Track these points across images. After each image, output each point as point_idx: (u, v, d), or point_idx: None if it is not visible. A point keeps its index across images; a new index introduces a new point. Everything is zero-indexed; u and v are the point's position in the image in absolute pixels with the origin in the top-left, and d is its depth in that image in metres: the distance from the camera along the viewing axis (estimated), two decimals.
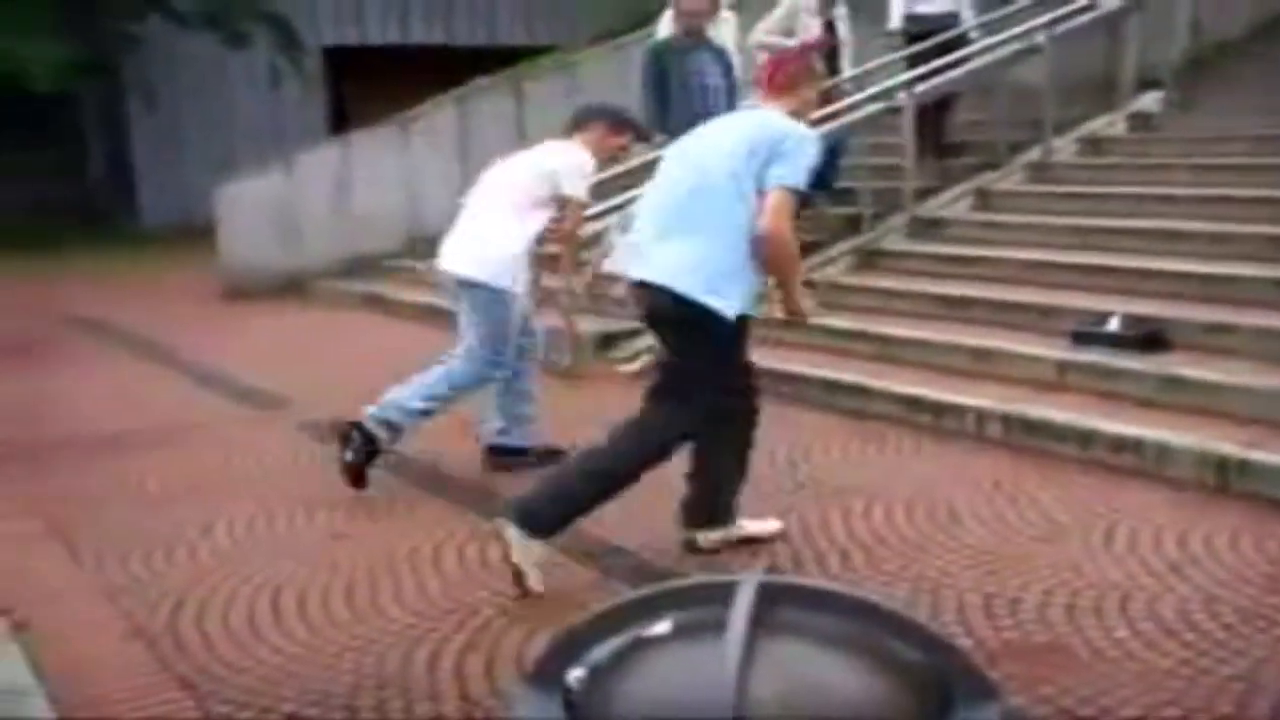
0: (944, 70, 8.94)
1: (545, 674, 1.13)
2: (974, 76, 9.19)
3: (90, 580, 4.46)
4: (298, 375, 8.03)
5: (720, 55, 8.65)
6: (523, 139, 12.31)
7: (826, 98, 7.22)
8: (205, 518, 5.06)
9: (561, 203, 5.43)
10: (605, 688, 1.09)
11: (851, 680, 1.06)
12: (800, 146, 4.14)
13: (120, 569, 4.55)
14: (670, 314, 4.20)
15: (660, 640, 1.10)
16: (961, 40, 9.48)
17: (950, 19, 9.63)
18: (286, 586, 4.29)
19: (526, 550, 4.07)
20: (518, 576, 4.06)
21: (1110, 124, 9.71)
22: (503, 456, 5.59)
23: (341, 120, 17.71)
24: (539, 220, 5.44)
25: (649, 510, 4.91)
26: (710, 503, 4.46)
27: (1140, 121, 9.74)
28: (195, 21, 16.15)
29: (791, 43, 8.35)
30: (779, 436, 5.84)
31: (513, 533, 4.07)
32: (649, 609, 1.13)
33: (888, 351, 6.83)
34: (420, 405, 5.37)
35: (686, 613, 1.11)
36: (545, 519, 4.12)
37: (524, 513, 4.10)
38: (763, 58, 6.14)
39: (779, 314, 4.43)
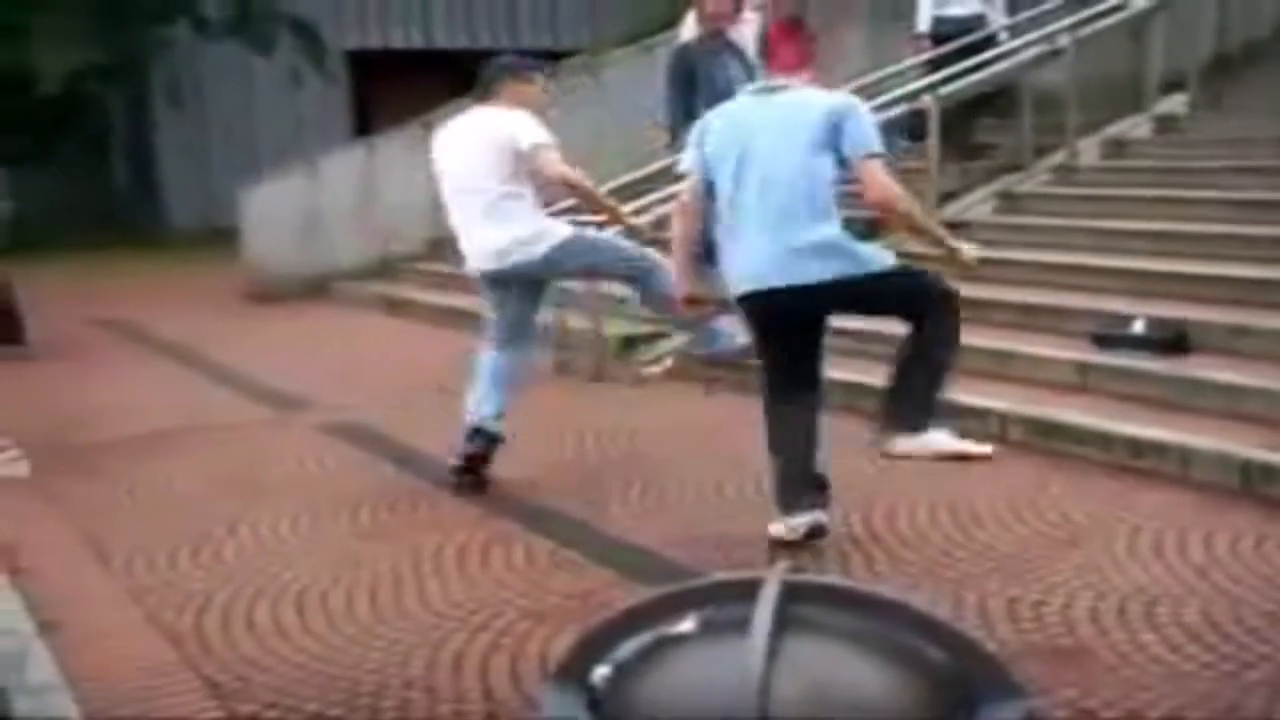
0: (972, 72, 8.92)
1: (570, 673, 1.14)
2: (999, 79, 9.16)
3: (117, 581, 4.49)
4: (321, 377, 8.06)
5: (742, 57, 8.67)
6: None
7: None
8: (231, 518, 5.09)
9: (529, 160, 5.27)
10: (630, 686, 1.10)
11: (875, 678, 1.06)
12: (861, 114, 4.33)
13: (147, 570, 4.58)
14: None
15: (685, 639, 1.10)
16: (989, 43, 9.47)
17: (978, 21, 9.63)
18: (311, 587, 4.31)
19: (930, 440, 4.38)
20: (963, 456, 4.41)
21: (1135, 126, 9.68)
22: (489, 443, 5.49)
23: (365, 123, 17.76)
24: (531, 183, 5.34)
25: (668, 509, 4.93)
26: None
27: (1165, 124, 9.70)
28: (219, 29, 16.24)
29: None
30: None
31: (907, 441, 4.39)
32: (673, 607, 1.13)
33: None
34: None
35: (710, 611, 1.11)
36: (916, 416, 4.39)
37: (898, 422, 4.40)
38: None
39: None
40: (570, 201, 6.14)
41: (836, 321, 4.65)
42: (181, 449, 6.35)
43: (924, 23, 9.88)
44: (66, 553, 4.83)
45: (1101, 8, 9.56)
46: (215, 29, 16.31)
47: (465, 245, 5.47)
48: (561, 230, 5.42)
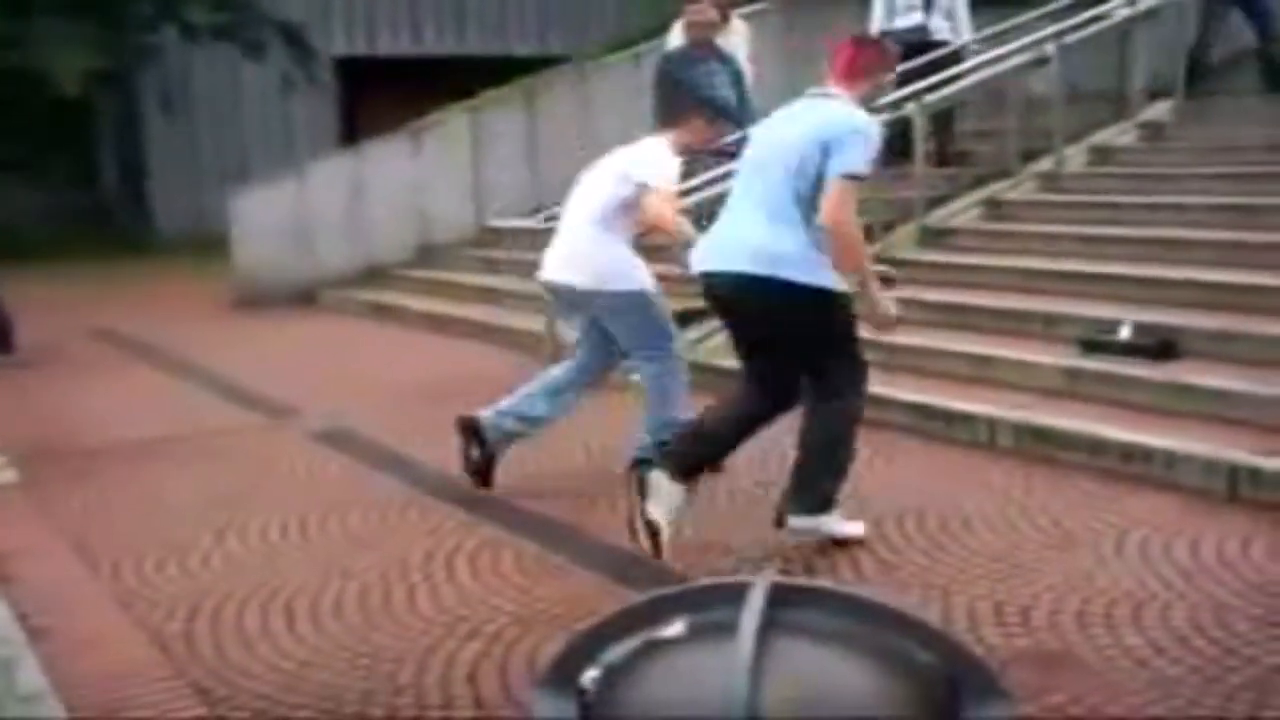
0: (946, 82, 8.98)
1: (560, 676, 1.15)
2: (981, 87, 9.22)
3: (106, 587, 4.49)
4: (310, 384, 8.06)
5: (728, 65, 8.74)
6: (534, 149, 12.40)
7: None
8: (220, 525, 5.09)
9: (634, 195, 5.26)
10: (619, 689, 1.11)
11: (862, 680, 1.07)
12: (860, 135, 4.25)
13: (135, 576, 4.58)
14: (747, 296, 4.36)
15: (673, 642, 1.12)
16: (945, 52, 9.60)
17: (920, 31, 9.78)
18: (300, 593, 4.31)
19: (824, 523, 4.46)
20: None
21: (1121, 133, 9.72)
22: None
23: (354, 130, 17.77)
24: (629, 220, 5.33)
25: None
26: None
27: (1151, 131, 9.74)
28: (208, 35, 16.26)
29: None
30: (789, 444, 5.86)
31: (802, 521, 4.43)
32: (662, 611, 1.15)
33: (896, 360, 6.82)
34: (667, 420, 5.28)
35: (698, 615, 1.12)
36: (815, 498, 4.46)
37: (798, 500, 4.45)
38: None
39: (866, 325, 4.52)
40: None
41: None
42: (170, 456, 6.35)
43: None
44: (55, 559, 4.83)
45: (1086, 16, 9.60)
46: (204, 35, 16.31)
47: (547, 251, 5.51)
48: (642, 278, 5.31)
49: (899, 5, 9.89)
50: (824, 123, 4.27)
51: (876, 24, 10.02)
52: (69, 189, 17.63)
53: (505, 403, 5.47)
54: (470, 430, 5.43)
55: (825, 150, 4.20)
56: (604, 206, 5.28)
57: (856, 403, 4.51)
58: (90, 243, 16.30)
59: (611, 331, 5.38)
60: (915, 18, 9.85)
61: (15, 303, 9.29)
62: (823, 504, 4.45)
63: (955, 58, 9.59)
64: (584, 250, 5.31)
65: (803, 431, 4.51)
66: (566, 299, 5.51)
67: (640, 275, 5.31)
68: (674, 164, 5.33)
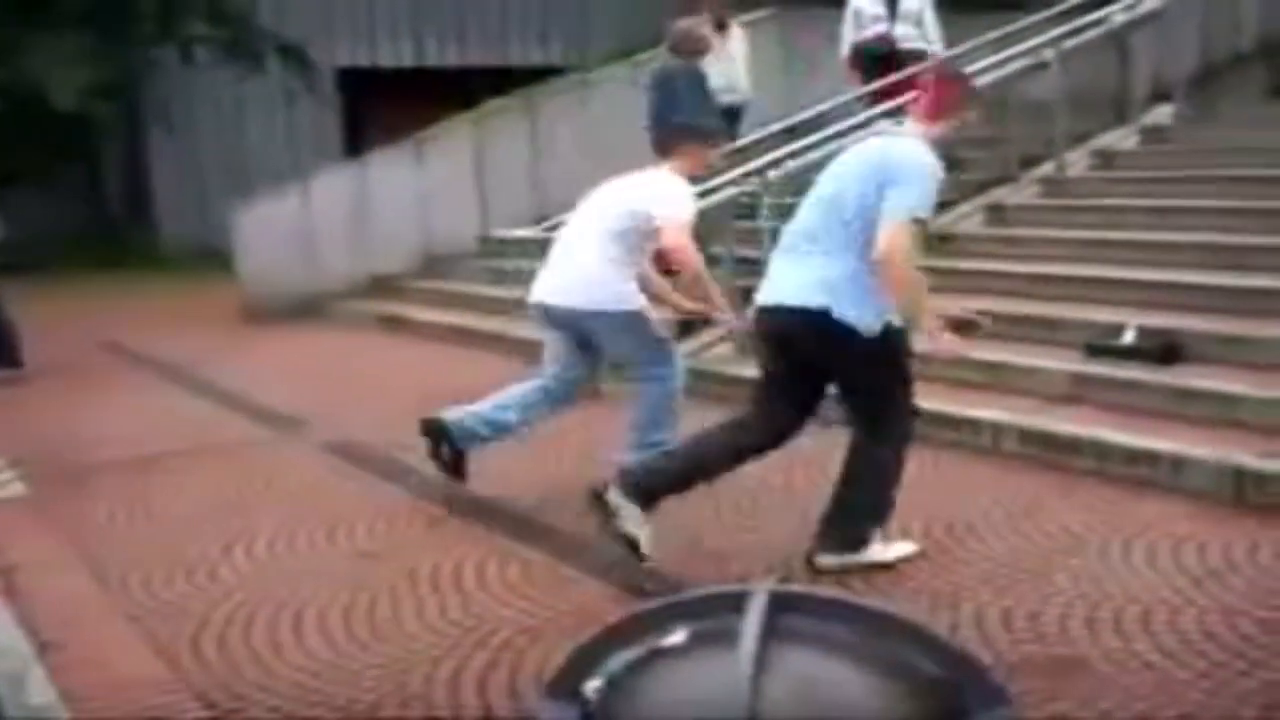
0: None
1: (563, 686, 1.15)
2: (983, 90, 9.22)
3: (114, 601, 4.49)
4: (316, 396, 8.07)
5: (703, 80, 9.02)
6: (537, 159, 12.42)
7: None
8: (227, 538, 5.10)
9: (650, 232, 5.32)
10: (622, 698, 1.11)
11: (864, 688, 1.07)
12: (925, 177, 4.19)
13: (143, 590, 4.59)
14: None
15: (675, 651, 1.12)
16: (914, 62, 9.67)
17: (884, 41, 9.86)
18: (308, 605, 4.32)
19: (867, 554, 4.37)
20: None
21: (1123, 138, 9.72)
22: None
23: (357, 141, 17.80)
24: (633, 249, 5.37)
25: (664, 523, 4.93)
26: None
27: (1153, 135, 9.74)
28: (209, 53, 16.33)
29: None
30: (796, 455, 5.86)
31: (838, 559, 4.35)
32: (663, 620, 1.15)
33: None
34: (650, 442, 5.33)
35: (701, 623, 1.13)
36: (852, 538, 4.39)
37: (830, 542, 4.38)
38: None
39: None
40: None
41: None
42: (178, 469, 6.36)
43: (845, 49, 10.14)
44: (64, 573, 4.84)
45: (1086, 20, 9.61)
46: (204, 53, 16.38)
47: (541, 275, 5.52)
48: (634, 300, 5.37)
49: (866, 18, 9.96)
50: (889, 160, 4.22)
51: (847, 38, 10.11)
52: (74, 202, 17.64)
53: (475, 406, 5.54)
54: (435, 432, 5.54)
55: (885, 186, 4.15)
56: (616, 237, 5.32)
57: (905, 444, 4.45)
58: (96, 256, 16.32)
59: (611, 353, 5.45)
60: (880, 28, 9.92)
61: (22, 316, 9.31)
62: (856, 544, 4.37)
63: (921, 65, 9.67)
64: (594, 277, 5.31)
65: (850, 466, 4.43)
66: (562, 320, 5.46)
67: (638, 299, 5.39)
68: (688, 193, 5.41)
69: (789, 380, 4.49)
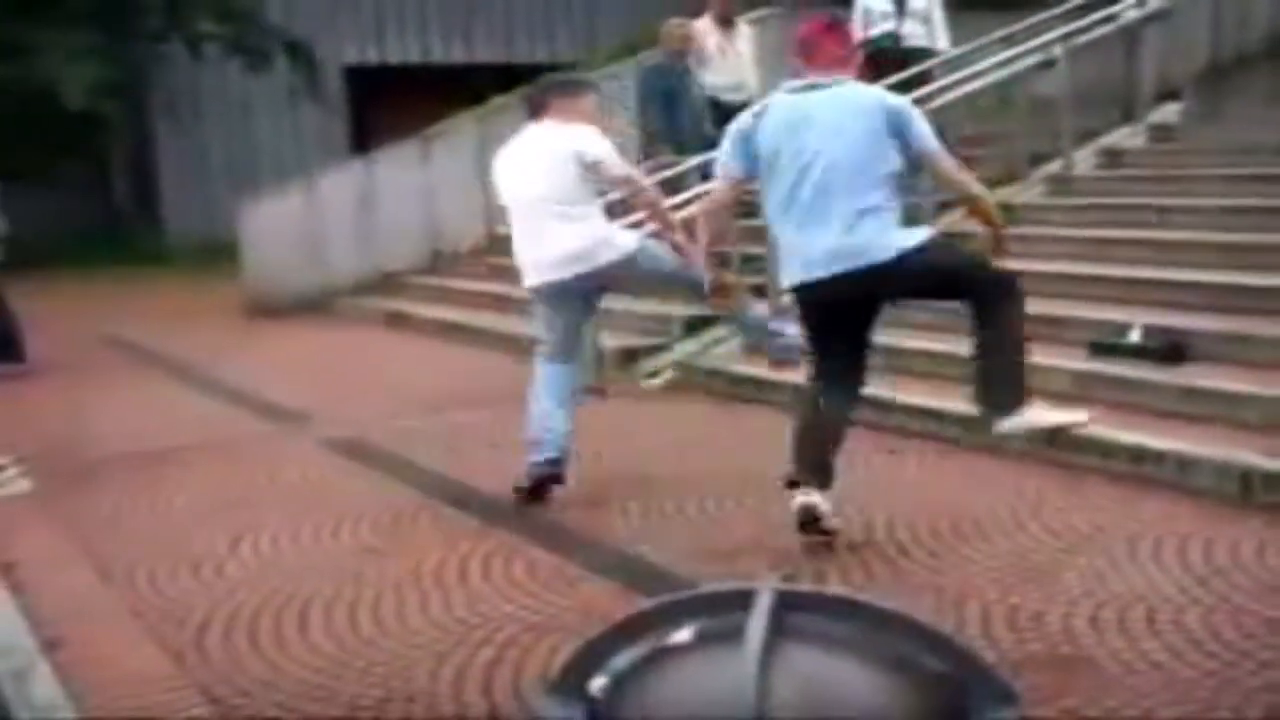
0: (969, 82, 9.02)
1: (568, 683, 1.15)
2: (990, 88, 9.23)
3: (119, 597, 4.50)
4: (321, 392, 8.08)
5: (693, 78, 9.26)
6: None
7: None
8: (232, 534, 5.10)
9: (595, 170, 5.35)
10: (627, 696, 1.11)
11: (870, 686, 1.07)
12: (915, 111, 4.60)
13: (148, 585, 4.59)
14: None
15: (681, 649, 1.12)
16: (920, 60, 9.70)
17: (891, 38, 9.88)
18: (313, 601, 4.32)
19: (1031, 418, 4.70)
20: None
21: (1131, 135, 9.70)
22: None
23: (363, 138, 17.81)
24: (591, 192, 5.44)
25: (669, 521, 4.95)
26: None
27: (1161, 133, 9.72)
28: (214, 49, 16.34)
29: None
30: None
31: (1010, 422, 4.70)
32: (670, 618, 1.15)
33: (904, 364, 6.82)
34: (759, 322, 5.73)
35: (706, 621, 1.13)
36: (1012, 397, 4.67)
37: (997, 407, 4.68)
38: None
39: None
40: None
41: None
42: (183, 465, 6.36)
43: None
44: (68, 569, 4.84)
45: (1094, 18, 9.59)
46: (211, 50, 16.39)
47: (526, 258, 5.45)
48: (627, 240, 5.49)
49: (875, 15, 9.95)
50: (888, 104, 4.51)
51: (855, 34, 10.12)
52: (80, 199, 17.68)
53: (547, 439, 5.34)
54: (546, 484, 5.35)
55: (905, 128, 4.43)
56: (566, 190, 5.29)
57: (1016, 305, 4.65)
58: (101, 252, 16.35)
59: (647, 289, 5.55)
60: (888, 25, 9.92)
61: (27, 312, 9.32)
62: (1019, 399, 4.65)
63: (930, 61, 9.69)
64: (576, 237, 5.29)
65: (979, 334, 4.64)
66: (571, 290, 5.40)
67: (625, 234, 5.58)
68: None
69: (850, 326, 4.66)
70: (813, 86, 4.54)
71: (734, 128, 4.71)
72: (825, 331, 4.71)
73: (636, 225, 6.20)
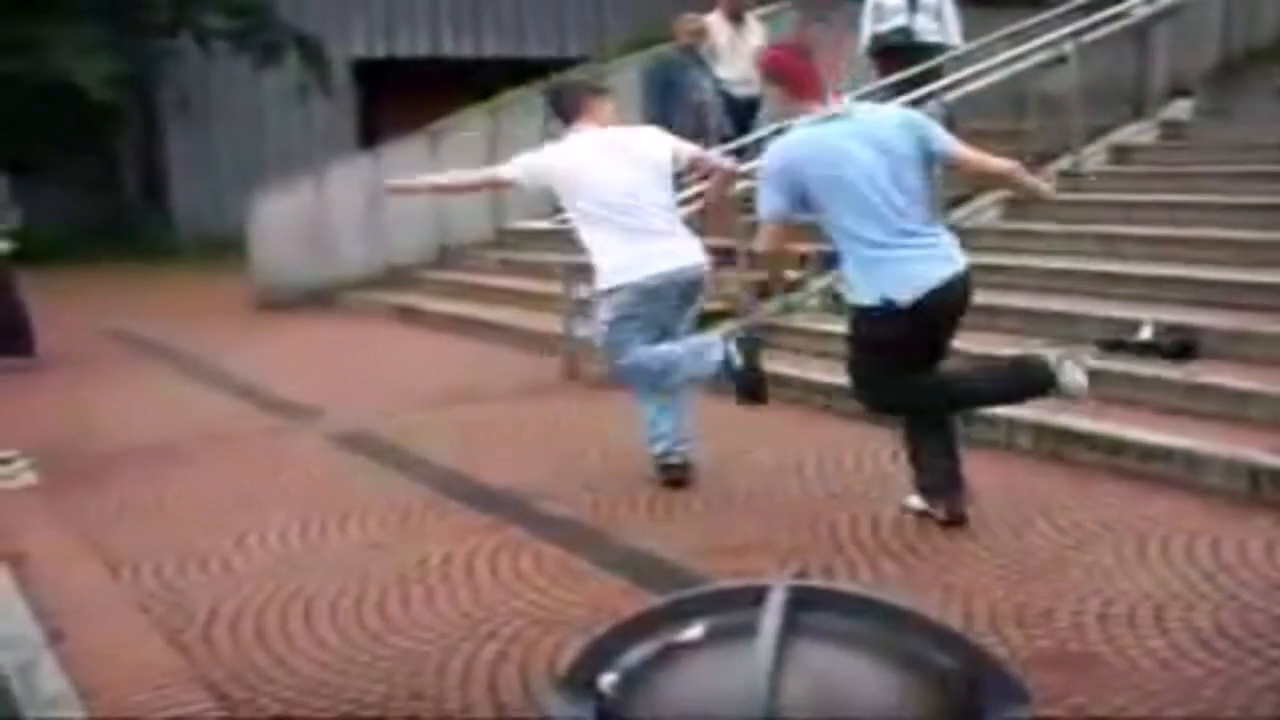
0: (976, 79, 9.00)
1: (577, 680, 1.14)
2: (1000, 84, 9.21)
3: (126, 591, 4.50)
4: (329, 386, 8.08)
5: (708, 71, 9.28)
6: None
7: None
8: (239, 528, 5.10)
9: (689, 166, 5.74)
10: (638, 693, 1.10)
11: (882, 684, 1.06)
12: (930, 121, 4.86)
13: (155, 579, 4.59)
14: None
15: (692, 645, 1.11)
16: (932, 55, 9.68)
17: (903, 33, 9.90)
18: (319, 596, 4.32)
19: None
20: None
21: (1140, 132, 9.68)
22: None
23: (372, 132, 17.82)
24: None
25: (678, 516, 4.94)
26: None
27: (1171, 130, 9.70)
28: (223, 43, 16.36)
29: None
30: (808, 445, 5.86)
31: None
32: (680, 614, 1.14)
33: None
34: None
35: (717, 617, 1.12)
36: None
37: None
38: None
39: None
40: None
41: None
42: (190, 459, 6.37)
43: (864, 40, 10.28)
44: (75, 562, 4.84)
45: (1105, 14, 9.57)
46: (219, 42, 16.42)
47: (628, 259, 5.28)
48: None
49: (886, 10, 9.96)
50: (912, 120, 4.69)
51: (867, 29, 10.12)
52: (89, 192, 17.69)
53: (670, 433, 5.45)
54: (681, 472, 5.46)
55: (929, 141, 4.57)
56: (667, 191, 5.45)
57: None
58: (110, 246, 16.37)
59: (694, 305, 5.56)
60: (900, 20, 9.90)
61: (36, 305, 9.33)
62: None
63: (941, 57, 9.68)
64: (684, 237, 5.44)
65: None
66: (675, 285, 5.34)
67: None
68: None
69: (931, 341, 4.71)
70: (833, 118, 4.54)
71: (768, 172, 4.65)
72: (916, 351, 4.66)
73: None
